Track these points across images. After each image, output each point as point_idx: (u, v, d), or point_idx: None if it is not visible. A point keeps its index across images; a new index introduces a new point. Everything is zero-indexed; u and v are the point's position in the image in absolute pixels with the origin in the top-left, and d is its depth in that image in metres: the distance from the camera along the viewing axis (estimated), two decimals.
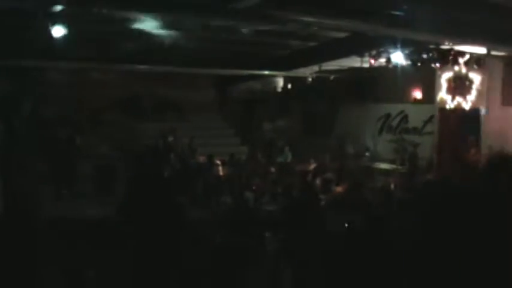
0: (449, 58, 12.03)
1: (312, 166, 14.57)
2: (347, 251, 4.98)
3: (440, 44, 11.62)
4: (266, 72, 16.81)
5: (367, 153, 15.94)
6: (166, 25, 11.23)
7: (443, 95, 13.81)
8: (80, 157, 13.93)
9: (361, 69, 14.65)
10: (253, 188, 12.62)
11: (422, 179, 11.48)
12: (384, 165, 14.86)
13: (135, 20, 10.55)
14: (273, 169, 14.44)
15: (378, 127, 16.84)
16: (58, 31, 9.14)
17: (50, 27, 9.04)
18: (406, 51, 11.76)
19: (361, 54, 12.80)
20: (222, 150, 15.69)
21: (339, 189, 10.46)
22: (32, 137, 13.21)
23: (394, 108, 16.47)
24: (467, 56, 12.31)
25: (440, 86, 13.84)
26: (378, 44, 11.62)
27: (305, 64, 15.46)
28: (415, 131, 16.00)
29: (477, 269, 2.27)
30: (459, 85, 13.42)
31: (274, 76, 18.96)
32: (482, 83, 13.21)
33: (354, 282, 4.17)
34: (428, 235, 2.35)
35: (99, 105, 16.15)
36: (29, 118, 14.01)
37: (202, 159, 14.78)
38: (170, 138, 15.53)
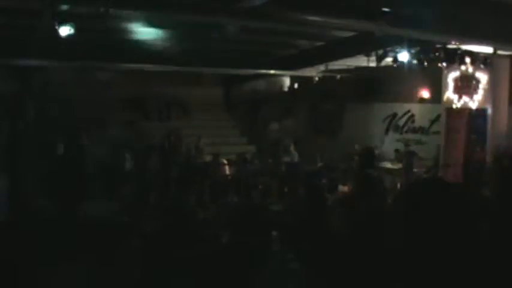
0: (455, 58, 12.01)
1: (319, 165, 14.58)
2: (353, 250, 4.98)
3: (447, 44, 11.61)
4: (273, 71, 16.81)
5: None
6: (172, 25, 11.25)
7: (450, 94, 13.79)
8: (87, 156, 13.96)
9: (367, 68, 14.63)
10: (260, 187, 12.65)
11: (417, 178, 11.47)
12: (390, 165, 14.84)
13: (140, 20, 10.58)
14: (279, 169, 14.46)
15: (385, 126, 16.82)
16: (63, 31, 9.14)
17: (56, 27, 9.04)
18: (413, 51, 11.74)
19: (367, 54, 12.79)
20: (228, 149, 15.71)
21: (346, 188, 10.48)
22: (37, 137, 13.27)
23: (400, 108, 16.45)
24: (473, 56, 12.28)
25: (447, 85, 13.81)
26: (385, 44, 11.61)
27: (312, 63, 15.46)
28: (422, 130, 15.98)
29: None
30: (466, 84, 13.39)
31: (281, 75, 18.96)
32: (489, 82, 13.17)
33: (359, 282, 4.17)
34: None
35: (105, 105, 16.17)
36: (35, 118, 14.07)
37: (208, 158, 14.80)
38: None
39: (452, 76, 13.58)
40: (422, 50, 11.81)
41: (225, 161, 14.67)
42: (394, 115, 16.64)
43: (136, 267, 5.82)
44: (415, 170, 14.00)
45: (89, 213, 9.84)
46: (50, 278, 6.27)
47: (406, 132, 16.30)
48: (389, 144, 16.12)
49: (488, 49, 11.99)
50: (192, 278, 5.11)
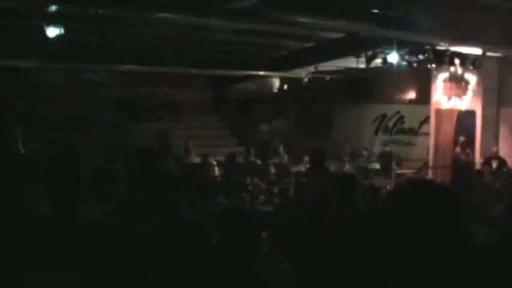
0: (445, 59, 12.04)
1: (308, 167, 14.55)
2: (340, 251, 4.99)
3: (436, 45, 11.64)
4: (262, 72, 16.79)
5: (364, 153, 15.96)
6: (162, 25, 11.21)
7: (439, 95, 13.83)
8: (78, 158, 13.84)
9: (357, 69, 14.65)
10: (249, 188, 12.62)
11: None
12: (378, 166, 14.87)
13: (132, 20, 10.53)
14: (269, 170, 14.43)
15: (374, 128, 16.85)
16: (54, 31, 9.09)
17: (46, 28, 8.99)
18: (402, 52, 11.77)
19: (357, 55, 12.80)
20: (218, 150, 15.66)
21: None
22: (27, 138, 13.16)
23: (390, 109, 16.49)
24: (462, 57, 12.32)
25: (436, 86, 13.85)
26: (374, 45, 11.63)
27: (301, 65, 15.46)
28: (411, 131, 16.02)
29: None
30: (455, 86, 13.44)
31: (270, 77, 18.94)
32: (478, 83, 13.22)
33: (348, 282, 4.17)
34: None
35: (95, 106, 16.07)
36: (24, 119, 13.96)
37: (197, 159, 14.73)
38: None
39: (441, 77, 13.63)
40: (412, 52, 11.84)
41: (215, 162, 14.61)
42: (384, 116, 16.67)
43: (127, 268, 5.80)
44: (400, 171, 14.08)
45: (80, 215, 9.80)
46: (42, 279, 6.24)
47: (395, 133, 16.34)
48: (379, 145, 16.16)
49: (477, 51, 12.04)
50: (183, 278, 5.10)
